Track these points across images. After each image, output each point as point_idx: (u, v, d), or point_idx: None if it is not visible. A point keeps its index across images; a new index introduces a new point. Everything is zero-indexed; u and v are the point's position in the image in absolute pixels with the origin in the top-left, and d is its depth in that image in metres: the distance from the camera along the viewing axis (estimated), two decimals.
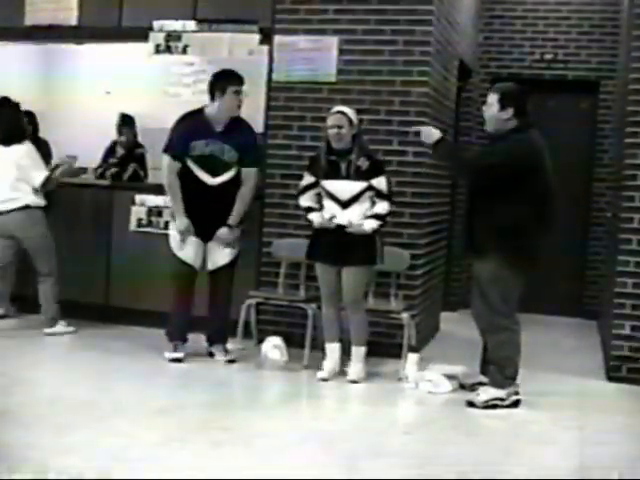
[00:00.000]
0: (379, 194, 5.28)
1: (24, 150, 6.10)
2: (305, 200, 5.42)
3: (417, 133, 5.02)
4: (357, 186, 5.25)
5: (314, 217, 5.38)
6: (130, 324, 6.46)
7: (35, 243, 6.13)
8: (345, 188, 5.26)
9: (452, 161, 5.10)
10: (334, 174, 5.28)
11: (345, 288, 5.32)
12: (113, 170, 7.26)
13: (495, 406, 4.87)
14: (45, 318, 6.23)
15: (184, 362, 5.56)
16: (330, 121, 5.28)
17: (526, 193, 4.75)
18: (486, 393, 4.91)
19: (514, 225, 4.76)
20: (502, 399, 4.89)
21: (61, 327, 6.24)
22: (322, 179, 5.31)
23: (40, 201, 6.13)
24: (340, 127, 5.26)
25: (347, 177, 5.26)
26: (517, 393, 4.95)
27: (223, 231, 5.57)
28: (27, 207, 6.07)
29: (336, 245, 5.28)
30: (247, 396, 5.22)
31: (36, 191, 6.08)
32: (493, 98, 4.89)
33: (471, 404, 4.91)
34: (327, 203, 5.32)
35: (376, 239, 5.33)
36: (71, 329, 6.25)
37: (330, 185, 5.30)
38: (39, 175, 6.06)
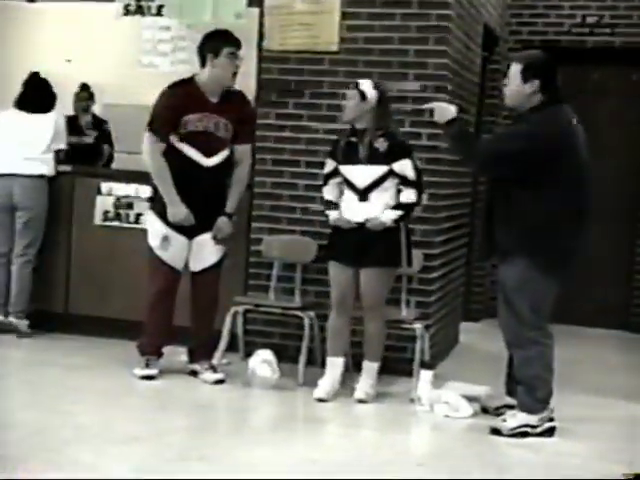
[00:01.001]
0: (405, 181, 5.36)
1: (58, 116, 6.61)
2: (328, 192, 5.51)
3: (431, 112, 5.10)
4: (376, 171, 5.33)
5: (331, 214, 5.46)
6: (94, 335, 6.52)
7: (34, 217, 6.46)
8: (363, 174, 5.35)
9: (464, 146, 5.07)
10: (353, 158, 5.38)
11: (364, 292, 5.40)
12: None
13: (525, 434, 4.91)
14: (12, 310, 6.43)
15: (158, 380, 5.64)
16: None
17: (555, 183, 4.79)
18: (514, 419, 4.96)
19: (543, 221, 4.81)
20: (533, 426, 4.94)
21: (24, 325, 6.46)
22: (342, 164, 5.41)
23: (52, 171, 6.55)
24: (348, 99, 5.38)
25: (366, 161, 5.36)
26: (551, 419, 4.99)
27: (224, 221, 5.63)
28: (41, 176, 6.49)
29: (355, 243, 5.36)
30: (232, 420, 5.28)
31: (56, 157, 6.58)
32: (515, 69, 4.94)
33: (496, 431, 4.96)
34: (346, 192, 5.41)
35: (401, 237, 5.41)
36: (29, 331, 6.45)
37: (347, 171, 5.39)
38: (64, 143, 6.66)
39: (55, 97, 6.64)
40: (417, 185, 5.39)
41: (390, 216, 5.33)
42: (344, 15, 6.10)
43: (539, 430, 4.95)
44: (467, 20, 6.59)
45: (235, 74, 5.60)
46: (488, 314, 7.52)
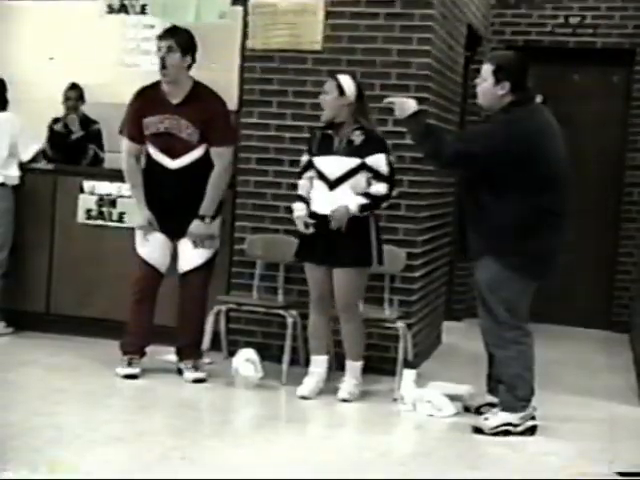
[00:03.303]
0: (377, 175, 5.34)
1: (14, 118, 6.49)
2: (301, 188, 5.51)
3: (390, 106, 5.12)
4: (348, 163, 5.32)
5: (296, 209, 5.45)
6: (76, 334, 6.50)
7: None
8: (334, 165, 5.34)
9: (427, 142, 5.04)
10: (327, 150, 5.37)
11: (336, 292, 5.40)
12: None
13: (506, 433, 4.93)
14: None
15: (141, 379, 5.62)
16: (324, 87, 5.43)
17: (522, 184, 4.79)
18: (495, 417, 4.98)
19: (509, 222, 4.81)
20: (514, 425, 4.95)
21: (1, 327, 6.43)
22: (315, 156, 5.39)
23: (16, 177, 6.46)
24: (325, 93, 5.39)
25: (339, 152, 5.35)
26: (533, 418, 5.01)
27: (196, 225, 5.62)
28: (2, 185, 6.42)
29: (323, 243, 5.35)
30: (215, 419, 5.27)
31: (20, 166, 6.48)
32: (487, 70, 4.95)
33: (478, 430, 4.97)
34: (317, 183, 5.39)
35: (371, 234, 5.40)
36: (10, 330, 6.45)
37: (320, 162, 5.37)
38: (31, 147, 6.55)
39: (6, 97, 6.54)
40: (389, 180, 5.36)
41: (357, 201, 5.27)
42: (328, 14, 6.09)
43: (520, 429, 4.97)
44: (450, 20, 6.60)
45: (163, 67, 5.50)
46: (470, 313, 7.53)
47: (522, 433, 4.95)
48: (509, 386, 4.97)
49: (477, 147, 4.87)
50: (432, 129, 5.18)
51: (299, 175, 5.55)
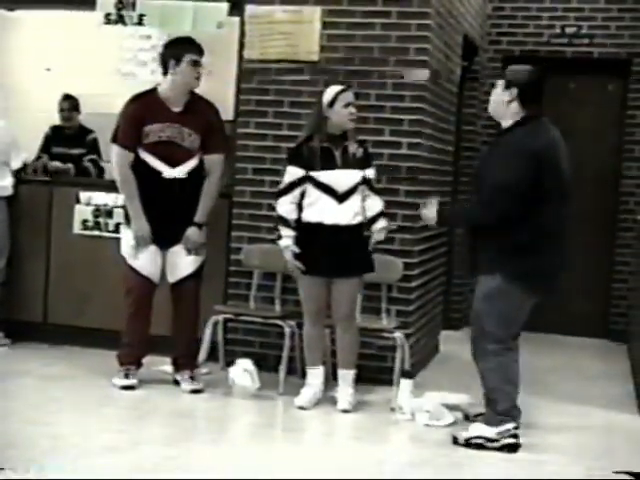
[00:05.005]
0: (370, 188, 5.44)
1: (6, 127, 6.51)
2: (285, 204, 5.41)
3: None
4: (355, 176, 5.38)
5: (284, 237, 5.39)
6: (72, 344, 6.51)
7: None
8: (342, 178, 5.36)
9: (467, 221, 5.15)
10: (328, 163, 5.38)
11: (338, 302, 5.41)
12: (67, 167, 7.29)
13: (479, 446, 4.84)
14: None
15: (137, 390, 5.62)
16: (343, 99, 5.38)
17: (540, 199, 4.75)
18: (473, 429, 4.92)
19: (527, 238, 4.76)
20: (490, 439, 4.85)
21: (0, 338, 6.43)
22: (317, 170, 5.37)
23: (9, 187, 6.47)
24: (355, 106, 5.41)
25: (343, 166, 5.38)
26: (516, 436, 4.87)
27: (193, 231, 5.62)
28: None
29: (329, 254, 5.36)
30: (212, 430, 5.25)
31: (12, 175, 6.49)
32: (501, 80, 4.96)
33: (455, 440, 4.93)
34: (323, 197, 5.38)
35: (369, 243, 5.48)
36: (8, 341, 6.46)
37: (325, 176, 5.37)
38: (20, 156, 6.55)
39: None
40: (377, 192, 5.47)
41: (384, 225, 5.45)
42: (324, 24, 6.10)
43: (497, 445, 4.84)
44: (447, 30, 6.61)
45: (198, 79, 5.58)
46: (468, 323, 7.51)
47: (500, 449, 4.83)
48: (488, 399, 4.93)
49: (506, 203, 4.77)
50: (458, 213, 5.41)
51: (289, 188, 5.41)
